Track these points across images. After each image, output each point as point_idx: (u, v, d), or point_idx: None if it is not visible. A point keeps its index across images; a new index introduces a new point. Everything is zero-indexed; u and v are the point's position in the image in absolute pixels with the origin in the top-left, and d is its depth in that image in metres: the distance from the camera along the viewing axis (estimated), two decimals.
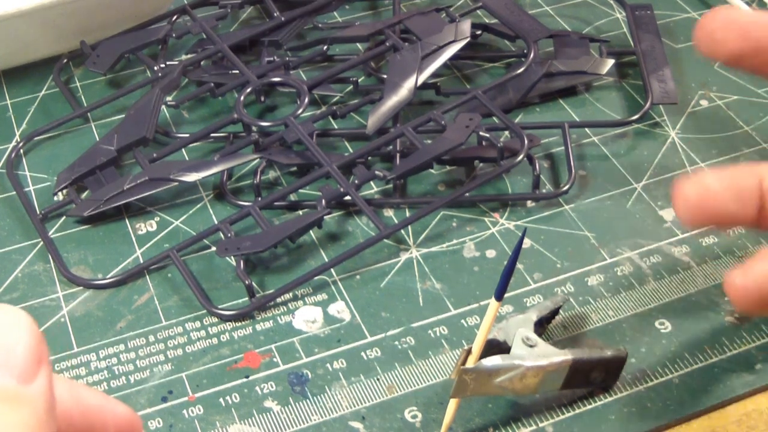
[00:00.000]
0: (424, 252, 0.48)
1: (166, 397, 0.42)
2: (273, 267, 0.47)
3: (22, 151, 0.54)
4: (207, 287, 0.46)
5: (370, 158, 0.51)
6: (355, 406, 0.41)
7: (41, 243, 0.48)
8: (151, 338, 0.44)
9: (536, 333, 0.39)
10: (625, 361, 0.41)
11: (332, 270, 0.47)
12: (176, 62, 0.57)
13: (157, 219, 0.50)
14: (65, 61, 0.59)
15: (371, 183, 0.51)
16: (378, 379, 0.42)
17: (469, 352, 0.38)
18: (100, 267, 0.47)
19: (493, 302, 0.36)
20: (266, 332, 0.44)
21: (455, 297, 0.45)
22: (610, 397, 0.41)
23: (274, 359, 0.43)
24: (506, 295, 0.37)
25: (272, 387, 0.42)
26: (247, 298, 0.45)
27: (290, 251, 0.48)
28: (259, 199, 0.50)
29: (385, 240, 0.48)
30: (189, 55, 0.58)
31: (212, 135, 0.53)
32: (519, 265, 0.46)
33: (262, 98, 0.56)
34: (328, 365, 0.43)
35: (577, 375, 0.39)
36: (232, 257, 0.46)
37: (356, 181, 0.48)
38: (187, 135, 0.53)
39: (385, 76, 0.54)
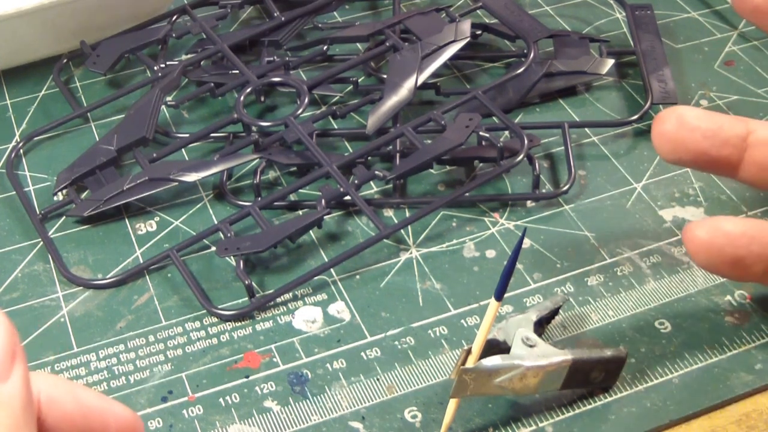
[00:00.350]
0: (423, 252, 0.48)
1: (166, 397, 0.42)
2: (273, 267, 0.47)
3: (22, 151, 0.54)
4: (207, 287, 0.46)
5: (370, 158, 0.51)
6: (355, 406, 0.41)
7: (41, 243, 0.48)
8: (151, 338, 0.44)
9: (536, 333, 0.39)
10: (625, 361, 0.41)
11: (332, 270, 0.47)
12: (176, 62, 0.57)
13: (157, 219, 0.50)
14: (65, 61, 0.59)
15: (371, 183, 0.51)
16: (378, 379, 0.42)
17: (468, 352, 0.38)
18: (100, 267, 0.47)
19: (492, 302, 0.36)
20: (266, 332, 0.44)
21: (455, 297, 0.45)
22: (610, 397, 0.41)
23: (274, 359, 0.43)
24: (506, 295, 0.37)
25: (272, 387, 0.42)
26: (246, 298, 0.45)
27: (290, 251, 0.48)
28: (259, 199, 0.50)
29: (385, 240, 0.48)
30: (189, 55, 0.58)
31: (212, 135, 0.53)
32: (519, 265, 0.46)
33: (262, 98, 0.56)
34: (328, 365, 0.43)
35: (577, 375, 0.39)
36: (232, 257, 0.46)
37: (356, 181, 0.48)
38: (187, 135, 0.53)
39: (385, 76, 0.54)
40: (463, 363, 0.37)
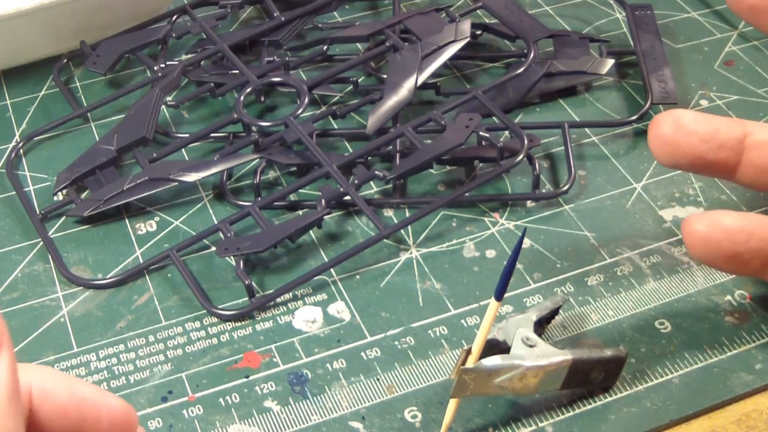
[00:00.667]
0: (423, 252, 0.48)
1: (166, 397, 0.42)
2: (273, 267, 0.47)
3: (22, 151, 0.54)
4: (207, 287, 0.46)
5: (370, 158, 0.51)
6: (355, 406, 0.41)
7: (41, 243, 0.48)
8: (151, 338, 0.44)
9: (536, 333, 0.39)
10: (625, 361, 0.41)
11: (332, 270, 0.47)
12: (176, 62, 0.57)
13: (157, 219, 0.50)
14: (65, 61, 0.59)
15: (371, 183, 0.51)
16: (378, 379, 0.42)
17: (468, 352, 0.38)
18: (100, 267, 0.47)
19: (492, 302, 0.36)
20: (266, 332, 0.44)
21: (455, 297, 0.45)
22: (610, 397, 0.41)
23: (274, 359, 0.43)
24: (506, 295, 0.37)
25: (272, 387, 0.42)
26: (246, 298, 0.45)
27: (290, 251, 0.48)
28: (259, 199, 0.50)
29: (385, 240, 0.48)
30: (189, 55, 0.58)
31: (212, 135, 0.53)
32: (519, 265, 0.46)
33: (262, 98, 0.56)
34: (328, 365, 0.43)
35: (577, 375, 0.39)
36: (232, 257, 0.46)
37: (356, 181, 0.48)
38: (187, 135, 0.53)
39: (385, 76, 0.54)
40: (463, 363, 0.37)
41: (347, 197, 0.48)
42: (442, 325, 0.44)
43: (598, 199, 0.50)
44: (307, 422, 0.40)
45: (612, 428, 0.40)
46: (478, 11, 0.59)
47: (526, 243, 0.48)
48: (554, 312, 0.43)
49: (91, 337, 0.44)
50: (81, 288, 0.46)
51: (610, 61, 0.56)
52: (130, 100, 0.56)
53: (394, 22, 0.57)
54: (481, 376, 0.37)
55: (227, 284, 0.46)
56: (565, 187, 0.50)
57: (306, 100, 0.52)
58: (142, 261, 0.47)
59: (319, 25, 0.60)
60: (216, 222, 0.49)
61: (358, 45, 0.60)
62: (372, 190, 0.51)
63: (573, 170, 0.51)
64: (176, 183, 0.49)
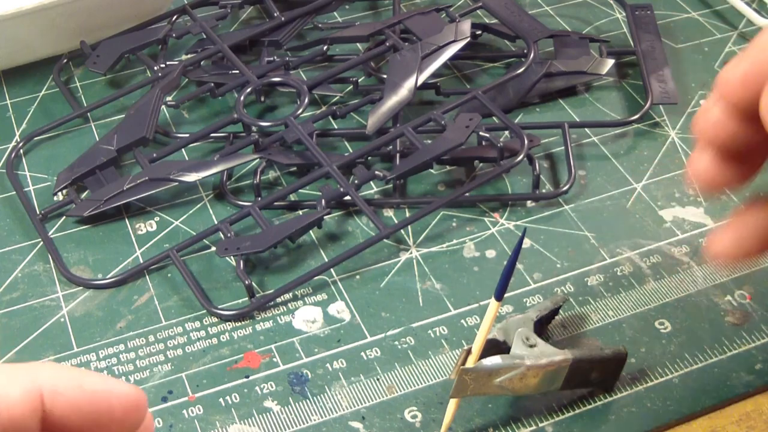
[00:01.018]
0: (424, 252, 0.48)
1: (166, 397, 0.42)
2: (273, 267, 0.47)
3: (22, 151, 0.54)
4: (207, 287, 0.46)
5: (370, 158, 0.51)
6: (355, 406, 0.41)
7: (41, 243, 0.48)
8: (151, 338, 0.44)
9: (536, 333, 0.39)
10: (625, 360, 0.41)
11: (332, 270, 0.47)
12: (176, 62, 0.57)
13: (157, 219, 0.50)
14: (65, 61, 0.59)
15: (371, 183, 0.51)
16: (378, 379, 0.42)
17: (469, 352, 0.38)
18: (100, 267, 0.47)
19: (493, 302, 0.36)
20: (266, 332, 0.44)
21: (455, 297, 0.45)
22: (610, 397, 0.41)
23: (274, 359, 0.43)
24: (506, 295, 0.37)
25: (272, 387, 0.42)
26: (247, 298, 0.45)
27: (290, 251, 0.48)
28: (259, 199, 0.50)
29: (385, 240, 0.48)
30: (189, 55, 0.58)
31: (212, 135, 0.53)
32: (519, 265, 0.46)
33: (262, 98, 0.56)
34: (327, 365, 0.43)
35: (577, 375, 0.39)
36: (232, 257, 0.46)
37: (356, 181, 0.48)
38: (187, 135, 0.53)
39: (385, 76, 0.54)
40: (463, 363, 0.37)
41: (347, 197, 0.48)
42: (442, 325, 0.44)
43: (598, 199, 0.50)
44: (307, 422, 0.40)
45: (612, 428, 0.40)
46: (478, 11, 0.59)
47: (526, 243, 0.48)
48: (554, 312, 0.43)
49: (91, 337, 0.44)
50: (81, 288, 0.46)
51: (610, 61, 0.56)
52: (130, 100, 0.56)
53: (394, 22, 0.57)
54: (481, 376, 0.37)
55: (227, 284, 0.46)
56: (565, 187, 0.50)
57: (306, 100, 0.52)
58: (142, 261, 0.47)
59: (319, 25, 0.60)
60: (216, 222, 0.49)
61: (358, 45, 0.60)
62: (372, 190, 0.51)
63: (573, 170, 0.51)
64: (176, 183, 0.49)
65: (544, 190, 0.50)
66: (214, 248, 0.47)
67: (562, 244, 0.48)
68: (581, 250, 0.47)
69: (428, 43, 0.54)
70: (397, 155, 0.51)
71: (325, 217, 0.48)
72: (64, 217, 0.50)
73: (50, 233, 0.49)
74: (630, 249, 0.47)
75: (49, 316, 0.45)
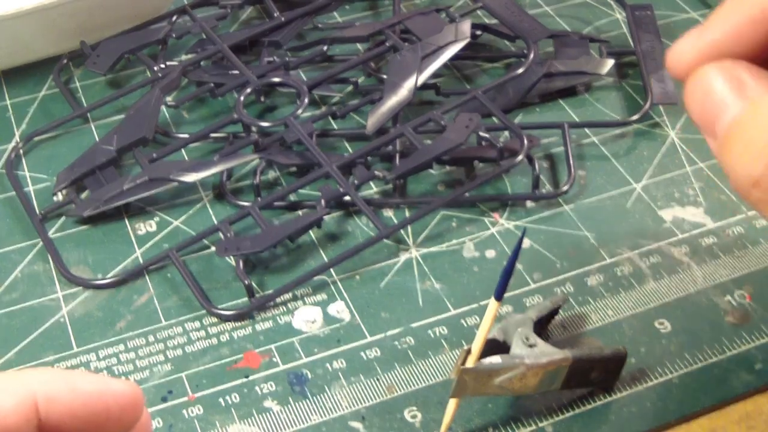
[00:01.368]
0: (423, 252, 0.48)
1: (166, 397, 0.42)
2: (273, 267, 0.47)
3: (21, 151, 0.54)
4: (207, 287, 0.46)
5: (369, 158, 0.51)
6: (354, 406, 0.41)
7: (41, 243, 0.48)
8: (151, 338, 0.44)
9: (536, 333, 0.39)
10: (625, 360, 0.41)
11: (332, 270, 0.47)
12: (176, 62, 0.57)
13: (156, 219, 0.50)
14: (65, 61, 0.59)
15: (371, 183, 0.51)
16: (378, 379, 0.42)
17: (468, 352, 0.37)
18: (99, 267, 0.47)
19: (492, 302, 0.36)
20: (266, 332, 0.44)
21: (455, 297, 0.45)
22: (610, 397, 0.41)
23: (274, 359, 0.43)
24: (506, 295, 0.37)
25: (272, 387, 0.42)
26: (246, 298, 0.45)
27: (290, 251, 0.48)
28: (259, 199, 0.50)
29: (385, 240, 0.48)
30: (189, 55, 0.58)
31: (212, 135, 0.53)
32: (519, 265, 0.46)
33: (262, 98, 0.56)
34: (327, 365, 0.43)
35: (577, 375, 0.39)
36: (232, 257, 0.46)
37: (356, 181, 0.48)
38: (187, 135, 0.53)
39: (385, 77, 0.54)
40: (463, 363, 0.37)
41: (347, 197, 0.48)
42: (442, 325, 0.44)
43: (598, 199, 0.50)
44: (307, 422, 0.40)
45: (612, 428, 0.40)
46: (478, 11, 0.59)
47: (526, 243, 0.48)
48: (554, 312, 0.43)
49: (91, 337, 0.44)
50: (81, 288, 0.46)
51: (610, 61, 0.56)
52: (130, 100, 0.56)
53: (394, 22, 0.57)
54: (481, 376, 0.37)
55: (227, 284, 0.46)
56: (565, 187, 0.50)
57: (306, 100, 0.52)
58: (142, 261, 0.47)
59: (319, 25, 0.60)
60: (216, 222, 0.49)
61: (358, 45, 0.60)
62: (372, 190, 0.51)
63: (573, 170, 0.51)
64: (176, 183, 0.49)
65: (543, 190, 0.50)
66: (213, 248, 0.47)
67: (561, 244, 0.48)
68: (581, 250, 0.47)
69: (428, 44, 0.54)
70: (397, 155, 0.51)
71: (324, 217, 0.48)
72: (63, 217, 0.50)
73: (50, 233, 0.49)
74: (630, 249, 0.47)
75: (49, 316, 0.45)
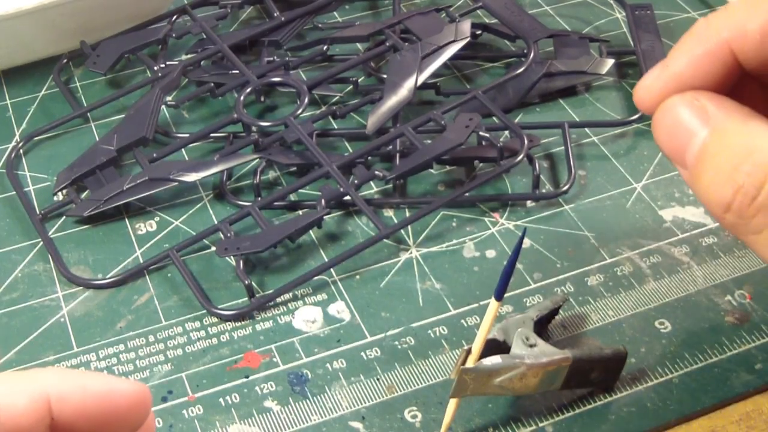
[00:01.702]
0: (423, 252, 0.48)
1: (166, 397, 0.42)
2: (273, 267, 0.47)
3: (21, 151, 0.54)
4: (207, 287, 0.46)
5: (369, 158, 0.51)
6: (355, 406, 0.41)
7: (41, 243, 0.48)
8: (151, 338, 0.44)
9: (536, 333, 0.39)
10: (625, 360, 0.41)
11: (332, 270, 0.47)
12: (176, 62, 0.57)
13: (157, 219, 0.50)
14: (65, 61, 0.59)
15: (371, 183, 0.51)
16: (378, 379, 0.42)
17: (468, 352, 0.37)
18: (100, 267, 0.47)
19: (493, 302, 0.36)
20: (266, 332, 0.44)
21: (455, 297, 0.45)
22: (610, 397, 0.41)
23: (274, 359, 0.43)
24: (506, 295, 0.37)
25: (272, 387, 0.42)
26: (246, 298, 0.45)
27: (290, 251, 0.48)
28: (259, 199, 0.50)
29: (385, 240, 0.48)
30: (189, 55, 0.58)
31: (212, 135, 0.53)
32: (519, 265, 0.46)
33: (262, 98, 0.56)
34: (327, 365, 0.43)
35: (577, 374, 0.39)
36: (232, 257, 0.46)
37: (356, 181, 0.48)
38: (187, 135, 0.53)
39: (385, 76, 0.54)
40: (463, 363, 0.37)
41: (347, 197, 0.48)
42: (442, 325, 0.44)
43: (598, 199, 0.50)
44: (307, 422, 0.40)
45: (612, 428, 0.40)
46: (478, 11, 0.59)
47: (526, 243, 0.48)
48: (554, 312, 0.43)
49: (91, 337, 0.44)
50: (81, 288, 0.46)
51: (610, 61, 0.56)
52: (130, 100, 0.56)
53: (394, 22, 0.57)
54: (481, 376, 0.37)
55: (227, 284, 0.46)
56: (565, 187, 0.50)
57: (306, 100, 0.52)
58: (142, 261, 0.47)
59: (319, 25, 0.60)
60: (216, 222, 0.49)
61: (358, 45, 0.60)
62: (372, 190, 0.51)
63: (573, 170, 0.51)
64: (176, 183, 0.49)
65: (544, 190, 0.50)
66: (214, 248, 0.47)
67: (562, 244, 0.48)
68: (581, 250, 0.47)
69: (428, 43, 0.54)
70: (397, 155, 0.51)
71: (324, 217, 0.48)
72: (64, 217, 0.50)
73: (50, 233, 0.49)
74: (630, 249, 0.47)
75: (49, 316, 0.45)
